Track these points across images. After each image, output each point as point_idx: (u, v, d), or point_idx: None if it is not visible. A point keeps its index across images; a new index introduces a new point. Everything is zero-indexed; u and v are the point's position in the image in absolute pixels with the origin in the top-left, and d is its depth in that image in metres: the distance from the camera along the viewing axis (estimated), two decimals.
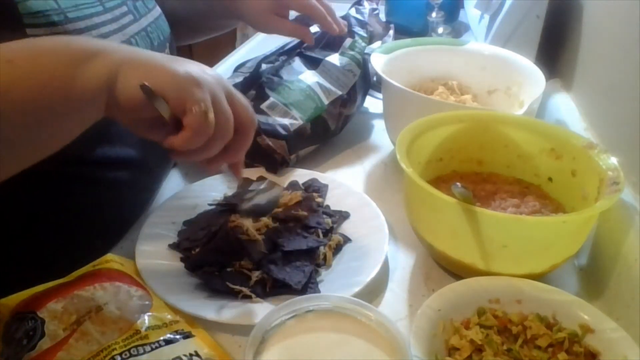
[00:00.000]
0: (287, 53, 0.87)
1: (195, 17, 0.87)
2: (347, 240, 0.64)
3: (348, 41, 0.87)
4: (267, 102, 0.78)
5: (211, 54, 1.21)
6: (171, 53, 0.74)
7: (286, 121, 0.76)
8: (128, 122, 0.49)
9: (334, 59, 0.84)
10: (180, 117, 0.47)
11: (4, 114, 0.41)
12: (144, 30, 0.67)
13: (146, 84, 0.45)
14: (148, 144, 0.51)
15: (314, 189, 0.71)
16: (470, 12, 1.19)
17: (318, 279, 0.58)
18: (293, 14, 0.85)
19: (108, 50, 0.47)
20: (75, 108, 0.46)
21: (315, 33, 0.89)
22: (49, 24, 0.52)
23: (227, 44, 1.23)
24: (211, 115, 0.47)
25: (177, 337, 0.49)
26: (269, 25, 0.83)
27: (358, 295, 0.54)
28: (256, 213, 0.62)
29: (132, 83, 0.45)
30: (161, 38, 0.71)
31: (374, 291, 0.59)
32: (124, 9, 0.64)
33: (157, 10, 0.72)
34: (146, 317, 0.50)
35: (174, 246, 0.62)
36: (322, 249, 0.61)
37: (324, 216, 0.66)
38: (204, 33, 0.95)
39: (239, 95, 0.52)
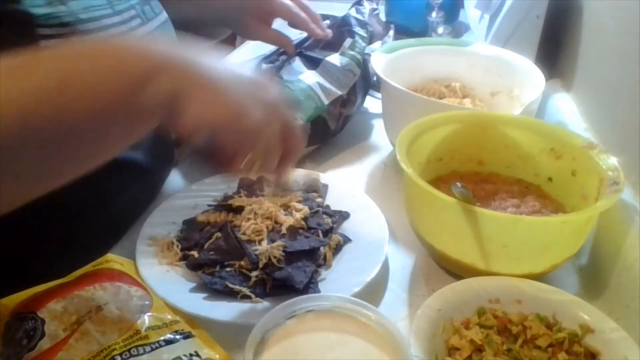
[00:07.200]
0: (287, 53, 0.87)
1: (185, 26, 0.87)
2: (347, 240, 0.64)
3: (348, 41, 0.87)
4: None
5: None
6: None
7: None
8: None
9: (334, 59, 0.84)
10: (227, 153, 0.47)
11: (60, 140, 0.40)
12: (151, 34, 0.67)
13: (203, 133, 0.43)
14: (150, 145, 0.51)
15: (314, 189, 0.71)
16: (470, 12, 1.19)
17: (318, 279, 0.58)
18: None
19: (170, 64, 0.43)
20: (131, 127, 0.44)
21: None
22: (60, 25, 0.52)
23: (227, 44, 1.22)
24: (256, 165, 0.48)
25: (177, 337, 0.49)
26: (252, 32, 0.87)
27: (358, 295, 0.54)
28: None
29: (191, 116, 0.42)
30: None
31: (374, 291, 0.59)
32: (133, 12, 0.64)
33: (164, 15, 0.72)
34: (146, 317, 0.50)
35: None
36: (322, 249, 0.61)
37: (324, 216, 0.66)
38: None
39: (292, 122, 0.51)
